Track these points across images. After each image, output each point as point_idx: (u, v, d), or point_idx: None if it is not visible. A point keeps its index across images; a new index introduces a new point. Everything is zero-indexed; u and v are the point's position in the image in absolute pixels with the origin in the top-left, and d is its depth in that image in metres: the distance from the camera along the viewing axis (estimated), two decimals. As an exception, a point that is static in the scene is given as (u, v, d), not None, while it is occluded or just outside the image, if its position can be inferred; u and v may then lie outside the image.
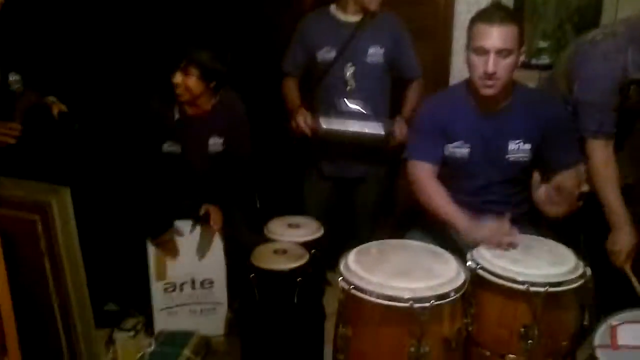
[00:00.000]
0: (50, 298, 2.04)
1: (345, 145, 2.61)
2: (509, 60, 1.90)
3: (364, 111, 2.57)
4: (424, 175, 2.08)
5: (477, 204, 2.08)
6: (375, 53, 2.58)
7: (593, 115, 2.10)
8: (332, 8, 2.63)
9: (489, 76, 1.91)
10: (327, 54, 2.59)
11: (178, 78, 2.29)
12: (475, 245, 1.87)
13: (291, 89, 2.74)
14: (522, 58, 1.97)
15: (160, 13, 2.90)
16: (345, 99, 2.57)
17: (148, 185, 2.41)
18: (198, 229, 2.47)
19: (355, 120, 2.55)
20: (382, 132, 2.54)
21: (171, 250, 2.46)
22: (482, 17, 1.93)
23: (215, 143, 2.48)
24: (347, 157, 2.67)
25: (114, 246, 2.50)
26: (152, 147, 2.43)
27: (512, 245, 1.84)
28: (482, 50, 1.90)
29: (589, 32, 2.28)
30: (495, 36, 1.87)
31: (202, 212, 2.45)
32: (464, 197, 2.08)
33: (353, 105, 2.57)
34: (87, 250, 2.12)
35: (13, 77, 2.20)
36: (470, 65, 1.97)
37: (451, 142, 2.07)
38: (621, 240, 2.06)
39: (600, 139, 2.10)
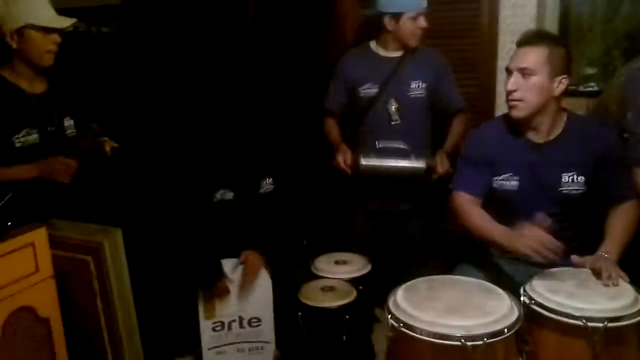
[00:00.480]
0: (102, 337, 2.09)
1: (389, 180, 2.59)
2: (533, 81, 1.91)
3: (404, 147, 2.54)
4: (465, 203, 2.05)
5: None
6: (417, 87, 2.58)
7: None
8: (373, 44, 2.65)
9: (509, 94, 1.94)
10: (369, 90, 2.61)
11: None
12: (517, 252, 1.81)
13: (332, 127, 2.76)
14: (560, 84, 1.93)
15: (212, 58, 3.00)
16: (385, 139, 2.57)
17: (199, 233, 2.42)
18: (240, 268, 2.48)
19: (395, 158, 2.53)
20: (423, 166, 2.51)
21: (222, 293, 2.47)
22: (517, 43, 1.99)
23: (266, 184, 2.50)
24: (391, 192, 2.65)
25: (165, 286, 2.53)
26: (205, 195, 2.43)
27: (555, 254, 1.76)
28: (508, 70, 1.96)
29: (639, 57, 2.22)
30: (519, 56, 1.94)
31: (241, 259, 2.45)
32: None
33: (394, 144, 2.55)
34: (138, 289, 2.16)
35: (68, 122, 2.27)
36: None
37: (499, 175, 2.04)
38: None
39: None
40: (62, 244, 1.98)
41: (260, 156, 2.47)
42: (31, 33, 2.05)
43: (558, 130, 2.00)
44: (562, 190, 1.99)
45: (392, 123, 2.59)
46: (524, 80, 1.92)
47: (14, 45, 2.06)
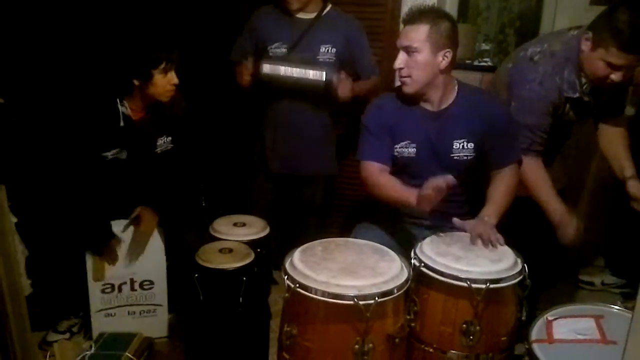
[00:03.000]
0: (-17, 299, 1.97)
1: (293, 140, 2.62)
2: (417, 58, 1.99)
3: (308, 56, 2.55)
4: (375, 172, 2.11)
5: None
6: (326, 52, 2.58)
7: (525, 134, 2.17)
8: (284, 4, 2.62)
9: (399, 72, 2.03)
10: (277, 50, 2.59)
11: (161, 79, 2.26)
12: (427, 211, 1.89)
13: (242, 71, 2.71)
14: (445, 58, 2.00)
15: (107, 13, 2.83)
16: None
17: (88, 192, 2.33)
18: (131, 229, 2.42)
19: (297, 67, 2.52)
20: (323, 78, 2.50)
21: (110, 256, 2.40)
22: (404, 19, 2.05)
23: (164, 142, 2.43)
24: (295, 154, 2.67)
25: (50, 246, 2.41)
26: (93, 155, 2.33)
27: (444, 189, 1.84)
28: (398, 48, 2.03)
29: (530, 41, 2.34)
30: (403, 35, 2.02)
31: (134, 214, 2.39)
32: None
33: (297, 58, 2.55)
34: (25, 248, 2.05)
35: None
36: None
37: (398, 143, 2.10)
38: (569, 233, 2.12)
39: (530, 156, 2.19)
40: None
41: (156, 114, 2.40)
42: None
43: (449, 100, 2.09)
44: (454, 156, 2.08)
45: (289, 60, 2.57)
46: (410, 58, 2.00)
47: None
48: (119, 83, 2.32)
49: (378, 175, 2.09)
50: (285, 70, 2.52)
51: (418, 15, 2.00)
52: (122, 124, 2.33)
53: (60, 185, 2.38)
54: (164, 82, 2.27)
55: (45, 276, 2.40)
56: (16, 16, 2.64)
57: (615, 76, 2.04)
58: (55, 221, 2.42)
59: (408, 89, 2.04)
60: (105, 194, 2.36)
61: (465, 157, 2.08)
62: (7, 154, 2.47)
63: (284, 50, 2.58)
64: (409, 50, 1.99)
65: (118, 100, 2.33)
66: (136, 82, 2.28)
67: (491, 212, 2.00)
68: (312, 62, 2.53)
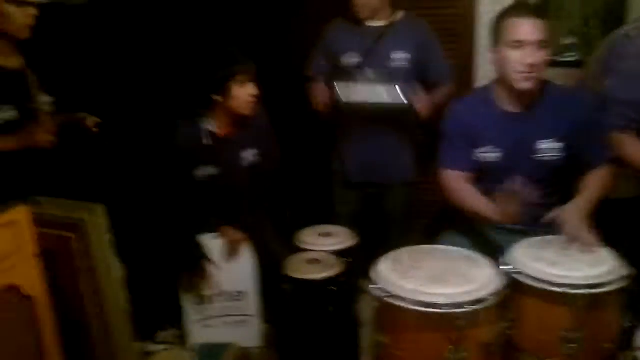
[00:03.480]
0: (86, 313, 2.08)
1: (372, 148, 2.61)
2: (545, 53, 1.92)
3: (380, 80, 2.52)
4: (455, 181, 2.07)
5: None
6: (399, 59, 2.57)
7: (623, 112, 2.07)
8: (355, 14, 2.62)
9: (530, 68, 1.90)
10: (351, 60, 2.60)
11: (240, 92, 2.29)
12: (508, 221, 1.86)
13: (317, 89, 2.71)
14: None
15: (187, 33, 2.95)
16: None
17: (180, 211, 2.41)
18: (220, 241, 2.48)
19: (374, 86, 2.49)
20: (404, 102, 2.45)
21: (204, 277, 2.47)
22: (513, 13, 1.95)
23: (248, 155, 2.47)
24: (374, 162, 2.66)
25: (146, 261, 2.52)
26: (184, 175, 2.40)
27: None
28: (520, 43, 1.91)
29: (620, 28, 2.23)
30: (533, 28, 1.90)
31: (220, 235, 2.45)
32: None
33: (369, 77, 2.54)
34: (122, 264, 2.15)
35: (44, 99, 2.23)
36: (504, 61, 1.96)
37: (480, 147, 2.05)
38: None
39: (628, 134, 2.07)
40: (44, 221, 1.96)
41: (241, 128, 2.45)
42: (6, 7, 2.01)
43: (535, 99, 2.02)
44: (541, 157, 2.01)
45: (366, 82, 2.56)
46: (540, 52, 1.91)
47: None
48: (199, 101, 2.37)
49: (457, 183, 2.06)
50: (364, 96, 2.49)
51: (534, 9, 1.96)
52: (208, 141, 2.38)
53: (154, 204, 2.47)
54: (243, 94, 2.30)
55: (142, 289, 2.50)
56: (109, 46, 2.79)
57: None
58: (150, 237, 2.53)
59: (529, 85, 1.94)
60: (197, 211, 2.43)
61: (554, 158, 2.00)
62: (105, 175, 2.63)
63: (356, 60, 2.58)
64: (540, 45, 1.90)
65: (203, 118, 2.39)
66: (216, 98, 2.32)
67: (582, 197, 1.91)
68: (389, 83, 2.49)
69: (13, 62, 2.14)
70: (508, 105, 2.04)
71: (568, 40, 3.57)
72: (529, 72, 1.91)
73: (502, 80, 2.02)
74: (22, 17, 2.05)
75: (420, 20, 2.64)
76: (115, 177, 2.70)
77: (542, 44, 1.90)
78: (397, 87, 2.47)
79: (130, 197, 2.63)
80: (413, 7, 2.74)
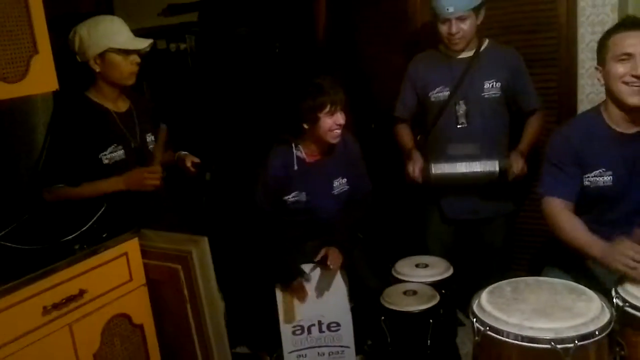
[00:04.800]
0: (193, 341, 2.16)
1: (464, 186, 2.54)
2: None
3: (474, 151, 2.48)
4: (557, 209, 1.99)
5: (622, 235, 1.95)
6: (491, 87, 2.52)
7: None
8: (442, 47, 2.60)
9: (638, 79, 1.84)
10: (440, 94, 2.56)
11: (329, 121, 2.34)
12: (614, 270, 1.74)
13: (404, 133, 2.72)
14: None
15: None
16: (455, 142, 2.52)
17: (276, 235, 2.47)
18: (318, 270, 2.51)
19: (466, 162, 2.46)
20: (496, 169, 2.43)
21: (300, 294, 2.51)
22: (619, 28, 1.91)
23: (339, 184, 2.51)
24: (470, 197, 2.59)
25: (245, 291, 2.59)
26: (276, 202, 2.47)
27: None
28: (627, 56, 1.86)
29: None
30: (639, 40, 1.85)
31: (320, 255, 2.46)
32: (610, 228, 1.96)
33: (464, 149, 2.49)
34: (223, 294, 2.23)
35: (149, 138, 2.38)
36: (612, 77, 1.90)
37: (591, 172, 1.97)
38: None
39: None
40: (153, 253, 2.08)
41: (330, 156, 2.49)
42: (112, 56, 2.17)
43: None
44: None
45: (458, 126, 2.53)
46: None
47: (97, 69, 2.18)
48: (291, 128, 2.45)
49: (560, 212, 1.98)
50: (456, 169, 2.47)
51: (635, 20, 1.91)
52: (296, 167, 2.45)
53: (252, 229, 2.55)
54: (330, 123, 2.34)
55: (241, 319, 2.58)
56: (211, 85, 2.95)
57: None
58: (248, 265, 2.60)
59: (638, 101, 1.87)
60: (291, 234, 2.49)
61: None
62: (205, 207, 2.75)
63: (446, 93, 2.54)
64: None
65: (293, 145, 2.46)
66: (305, 126, 2.39)
67: None
68: (480, 156, 2.46)
69: (120, 105, 2.30)
70: (620, 126, 1.96)
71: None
72: (638, 85, 1.84)
73: (612, 99, 1.95)
74: (127, 66, 2.21)
75: (507, 47, 2.59)
76: (213, 206, 2.82)
77: None
78: (492, 161, 2.44)
79: (228, 228, 2.72)
80: (514, 32, 2.72)
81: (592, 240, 1.86)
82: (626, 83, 1.87)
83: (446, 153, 2.52)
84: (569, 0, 2.67)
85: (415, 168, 2.53)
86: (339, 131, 2.37)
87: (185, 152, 2.50)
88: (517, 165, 2.44)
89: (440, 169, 2.48)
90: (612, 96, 1.94)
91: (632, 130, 1.94)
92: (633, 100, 1.87)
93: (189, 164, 2.43)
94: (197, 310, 2.12)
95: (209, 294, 2.13)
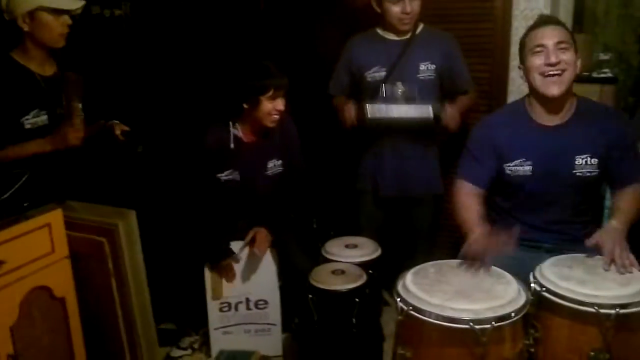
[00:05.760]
0: (116, 316, 2.12)
1: (399, 162, 2.61)
2: (569, 55, 1.93)
3: (412, 94, 2.52)
4: (462, 192, 2.08)
5: (541, 223, 2.05)
6: (426, 69, 2.57)
7: None
8: (379, 29, 2.64)
9: (553, 66, 1.92)
10: (376, 74, 2.60)
11: (269, 105, 2.36)
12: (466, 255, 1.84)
13: (341, 99, 2.74)
14: (579, 65, 1.97)
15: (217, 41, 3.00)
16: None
17: (207, 212, 2.46)
18: (246, 250, 2.51)
19: (401, 105, 2.52)
20: (430, 113, 2.49)
21: (228, 274, 2.50)
22: (533, 25, 2.02)
23: (274, 165, 2.52)
24: (402, 175, 2.65)
25: (172, 266, 2.56)
26: (210, 178, 2.46)
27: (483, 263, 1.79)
28: (541, 47, 1.95)
29: None
30: (550, 33, 1.95)
31: (249, 237, 2.48)
32: (532, 217, 2.05)
33: (399, 89, 2.53)
34: (148, 270, 2.19)
35: (76, 106, 2.27)
36: (530, 70, 1.98)
37: (511, 161, 2.04)
38: None
39: None
40: (77, 225, 2.02)
41: (267, 138, 2.49)
42: (42, 15, 2.07)
43: (569, 114, 2.01)
44: (576, 173, 1.99)
45: (392, 100, 2.55)
46: (562, 53, 1.93)
47: (26, 28, 2.08)
48: (230, 107, 2.44)
49: (463, 195, 2.07)
50: (391, 111, 2.51)
51: (553, 19, 2.03)
52: (232, 145, 2.44)
53: (181, 202, 2.51)
54: (270, 107, 2.36)
55: (167, 295, 2.54)
56: (139, 50, 2.86)
57: None
58: (176, 241, 2.57)
59: (557, 89, 1.94)
60: (223, 213, 2.47)
61: (589, 174, 1.98)
62: (134, 181, 2.68)
63: (382, 74, 2.58)
64: (560, 47, 1.93)
65: (231, 123, 2.45)
66: (245, 106, 2.39)
67: (620, 220, 1.88)
68: (416, 98, 2.51)
69: (47, 69, 2.20)
70: (541, 118, 2.03)
71: (603, 56, 3.52)
72: (553, 74, 1.93)
73: (533, 93, 2.02)
74: (58, 27, 2.11)
75: (442, 31, 2.65)
76: (143, 180, 2.75)
77: (561, 45, 1.93)
78: (426, 104, 2.49)
79: (157, 199, 2.67)
80: (451, 21, 2.77)
81: (474, 226, 1.94)
82: (543, 74, 1.95)
83: (381, 94, 2.55)
84: (505, -6, 2.74)
85: (350, 110, 2.58)
86: (277, 117, 2.39)
87: (116, 121, 2.42)
88: (451, 111, 2.51)
89: (376, 110, 2.52)
90: (532, 90, 2.02)
91: (552, 122, 2.02)
92: (552, 91, 1.94)
93: (117, 132, 2.36)
94: (122, 284, 2.08)
95: (134, 269, 2.09)
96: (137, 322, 2.13)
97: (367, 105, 2.52)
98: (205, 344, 2.62)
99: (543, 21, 2.01)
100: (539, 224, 2.05)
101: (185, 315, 2.66)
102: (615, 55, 3.60)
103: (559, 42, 1.93)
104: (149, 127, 2.74)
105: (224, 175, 2.46)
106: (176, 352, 2.59)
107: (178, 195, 2.56)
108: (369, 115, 2.51)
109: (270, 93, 2.34)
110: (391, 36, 2.60)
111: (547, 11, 2.69)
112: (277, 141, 2.52)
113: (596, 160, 1.98)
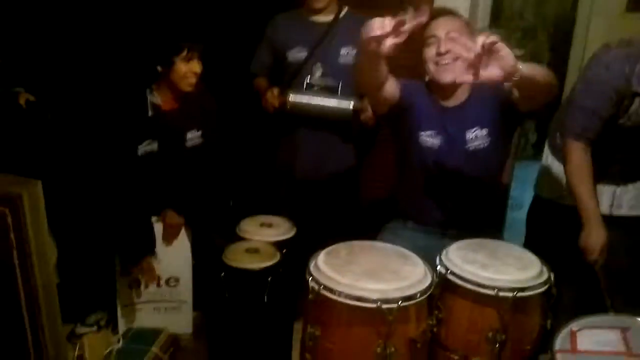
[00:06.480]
0: (18, 292, 2.02)
1: (317, 145, 2.63)
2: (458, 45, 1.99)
3: (333, 84, 2.56)
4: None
5: (448, 203, 2.16)
6: (346, 54, 2.59)
7: (580, 118, 2.13)
8: (303, 10, 2.64)
9: (442, 55, 2.01)
10: (298, 54, 2.60)
11: (184, 67, 2.31)
12: None
13: (263, 81, 2.75)
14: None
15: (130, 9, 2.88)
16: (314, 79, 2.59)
17: (122, 187, 2.38)
18: (160, 226, 2.46)
19: (323, 96, 2.55)
20: (350, 107, 2.54)
21: (148, 274, 2.45)
22: (433, 18, 2.07)
23: (193, 137, 2.47)
24: (319, 158, 2.68)
25: (79, 241, 2.47)
26: (126, 146, 2.38)
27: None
28: (433, 37, 2.04)
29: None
30: (443, 23, 2.04)
31: (161, 218, 2.44)
32: (435, 196, 2.15)
33: (323, 82, 2.57)
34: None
35: None
36: (425, 59, 2.08)
37: (424, 130, 2.12)
38: (593, 236, 2.09)
39: (580, 142, 2.13)
40: (-24, 193, 1.90)
41: (186, 107, 2.44)
42: None
43: (465, 96, 2.12)
44: (469, 147, 2.10)
45: (315, 88, 2.59)
46: (451, 43, 1.97)
47: None
48: (144, 70, 2.38)
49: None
50: (313, 100, 2.54)
51: (446, 11, 2.12)
52: (150, 113, 2.38)
53: (93, 179, 2.43)
54: (186, 69, 2.32)
55: (74, 270, 2.46)
56: (42, 13, 2.70)
57: None
58: (87, 217, 2.48)
59: (449, 76, 2.01)
60: (140, 188, 2.40)
61: (481, 146, 2.09)
62: (42, 150, 2.55)
63: (304, 54, 2.59)
64: (450, 37, 1.97)
65: (148, 89, 2.39)
66: (159, 69, 2.34)
67: None
68: (337, 92, 2.55)
69: None
70: (440, 99, 2.14)
71: (517, 52, 3.66)
72: (444, 62, 2.01)
73: (430, 80, 2.12)
74: None
75: (365, 17, 2.66)
76: (52, 152, 2.62)
77: (453, 35, 1.97)
78: (348, 98, 2.52)
79: (67, 171, 2.56)
80: (366, 5, 2.75)
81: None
82: (436, 63, 2.04)
83: (305, 83, 2.58)
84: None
85: (273, 93, 2.59)
86: (194, 80, 2.34)
87: (21, 89, 2.29)
88: (369, 113, 2.55)
89: (298, 98, 2.55)
90: (430, 77, 2.11)
91: (450, 104, 2.12)
92: (445, 78, 2.03)
93: (22, 101, 2.24)
94: (25, 258, 1.98)
95: (39, 242, 2.00)
96: (41, 299, 2.04)
97: (290, 94, 2.53)
98: (113, 321, 2.56)
99: (437, 13, 2.10)
100: (447, 205, 2.16)
101: (92, 291, 2.58)
102: (527, 50, 3.76)
103: (449, 32, 2.00)
104: (59, 94, 2.61)
105: (142, 146, 2.39)
106: (81, 329, 2.51)
107: (91, 169, 2.46)
108: (290, 101, 2.54)
109: (184, 53, 2.29)
110: (314, 18, 2.60)
111: (466, 4, 2.77)
112: (196, 111, 2.47)
113: (486, 130, 2.08)
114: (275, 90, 2.60)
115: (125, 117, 2.36)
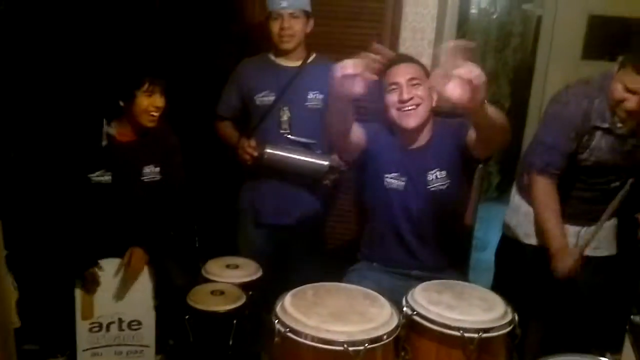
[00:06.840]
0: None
1: (284, 191, 2.62)
2: (422, 90, 2.07)
3: (312, 142, 2.57)
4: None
5: (411, 244, 2.19)
6: (314, 98, 2.60)
7: (543, 153, 2.21)
8: (271, 54, 2.65)
9: (405, 102, 2.05)
10: (265, 98, 2.60)
11: (145, 101, 2.31)
12: None
13: (228, 128, 2.74)
14: (433, 97, 2.10)
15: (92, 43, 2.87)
16: (287, 135, 2.59)
17: (74, 218, 2.34)
18: (122, 268, 2.41)
19: (300, 152, 2.55)
20: (327, 163, 2.53)
21: (92, 282, 2.38)
22: (392, 63, 2.12)
23: (151, 172, 2.44)
24: (285, 203, 2.66)
25: (38, 283, 2.40)
26: (79, 176, 2.35)
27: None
28: (395, 84, 2.08)
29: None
30: (404, 70, 2.09)
31: (126, 258, 2.39)
32: (399, 236, 2.18)
33: (302, 139, 2.57)
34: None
35: None
36: (386, 106, 2.12)
37: (388, 173, 2.15)
38: (561, 266, 2.14)
39: (545, 176, 2.20)
40: None
41: (144, 141, 2.43)
42: None
43: (427, 137, 2.16)
44: (430, 188, 2.13)
45: (281, 132, 2.59)
46: (414, 89, 2.06)
47: None
48: (105, 103, 2.37)
49: None
50: (290, 156, 2.53)
51: (409, 57, 2.18)
52: (104, 143, 2.36)
53: (45, 208, 2.38)
54: (147, 103, 2.32)
55: (33, 313, 2.38)
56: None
57: (629, 103, 2.05)
58: (43, 250, 2.42)
59: (413, 121, 2.07)
60: (92, 219, 2.36)
61: (441, 186, 2.12)
62: (3, 189, 2.49)
63: (272, 98, 2.59)
64: (413, 83, 2.06)
65: (105, 120, 2.37)
66: (121, 103, 2.33)
67: None
68: (314, 150, 2.56)
69: None
70: (404, 142, 2.17)
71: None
72: (406, 108, 2.06)
73: (392, 124, 2.15)
74: None
75: (333, 63, 2.70)
76: (13, 189, 2.57)
77: (414, 82, 2.07)
78: (325, 158, 2.53)
79: (22, 205, 2.51)
80: (340, 25, 2.88)
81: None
82: (399, 109, 2.09)
83: (282, 139, 2.57)
84: (395, 3, 2.90)
85: (250, 144, 2.56)
86: (156, 114, 2.34)
87: None
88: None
89: (276, 151, 2.53)
90: (392, 122, 2.15)
91: (414, 146, 2.17)
92: (408, 123, 2.09)
93: None
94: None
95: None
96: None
97: (267, 147, 2.51)
98: (72, 366, 2.47)
99: (398, 59, 2.15)
100: (411, 246, 2.19)
101: (50, 335, 2.50)
102: (489, 96, 3.86)
103: (411, 79, 2.07)
104: (23, 132, 2.58)
105: (94, 176, 2.36)
106: (38, 375, 2.43)
107: (46, 200, 2.41)
108: (266, 157, 2.51)
109: (146, 87, 2.30)
110: (283, 62, 2.62)
111: (433, 25, 2.89)
112: (156, 147, 2.45)
113: (445, 172, 2.12)
114: (253, 142, 2.57)
115: (76, 144, 2.34)
